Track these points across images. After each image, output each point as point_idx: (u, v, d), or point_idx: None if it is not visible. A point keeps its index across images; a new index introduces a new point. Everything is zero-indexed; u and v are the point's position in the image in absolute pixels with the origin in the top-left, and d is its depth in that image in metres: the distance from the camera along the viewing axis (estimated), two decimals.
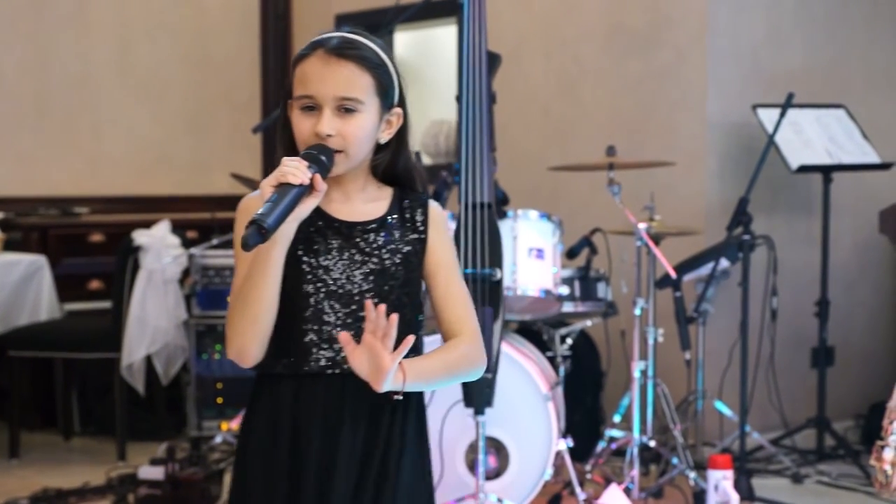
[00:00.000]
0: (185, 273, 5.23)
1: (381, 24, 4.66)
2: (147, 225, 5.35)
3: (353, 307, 2.05)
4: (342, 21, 6.64)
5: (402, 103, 2.12)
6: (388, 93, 2.08)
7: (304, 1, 6.99)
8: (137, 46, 6.60)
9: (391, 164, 2.13)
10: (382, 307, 1.94)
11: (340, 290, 2.05)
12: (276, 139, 2.14)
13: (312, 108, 2.04)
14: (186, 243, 5.31)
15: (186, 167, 6.72)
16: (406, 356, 2.01)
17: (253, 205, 2.05)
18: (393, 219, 2.10)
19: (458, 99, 4.09)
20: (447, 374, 2.09)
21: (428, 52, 7.10)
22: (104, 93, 6.49)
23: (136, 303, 5.13)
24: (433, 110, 6.70)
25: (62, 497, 4.61)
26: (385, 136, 2.10)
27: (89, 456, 5.35)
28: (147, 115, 6.63)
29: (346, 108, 2.03)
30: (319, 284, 2.05)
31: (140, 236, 5.19)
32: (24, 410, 5.59)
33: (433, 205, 2.15)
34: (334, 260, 2.06)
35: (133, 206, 6.48)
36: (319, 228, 2.05)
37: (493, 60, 4.14)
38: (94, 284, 5.93)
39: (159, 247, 5.17)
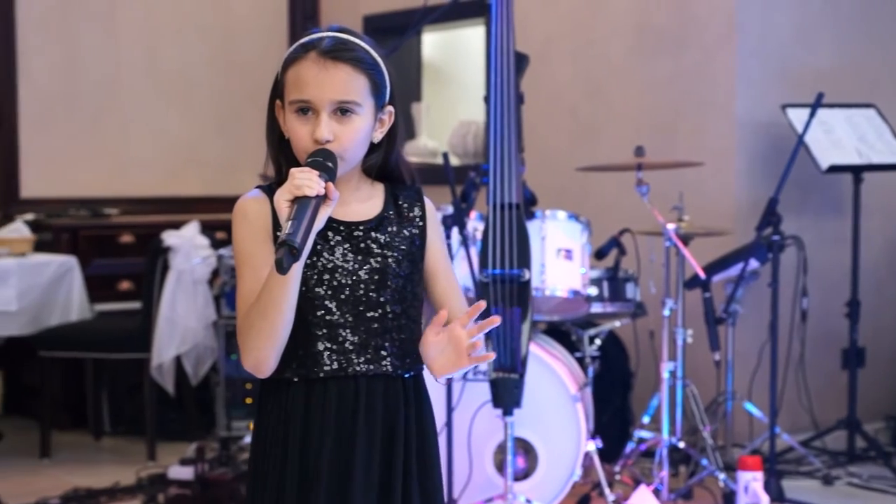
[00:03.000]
0: (215, 274, 5.25)
1: (408, 25, 4.66)
2: (176, 226, 5.38)
3: (361, 307, 2.04)
4: (370, 22, 6.65)
5: (392, 101, 2.10)
6: (382, 92, 2.07)
7: (332, 2, 7.01)
8: (166, 48, 6.63)
9: (383, 163, 2.13)
10: (482, 304, 1.98)
11: (346, 291, 2.04)
12: (266, 139, 2.12)
13: (307, 111, 2.02)
14: (215, 244, 5.33)
15: (215, 168, 6.75)
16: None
17: (250, 206, 2.05)
18: (390, 215, 2.10)
19: (486, 99, 4.09)
20: None
21: (456, 53, 7.11)
22: (133, 94, 6.52)
23: (166, 303, 5.16)
24: (461, 111, 6.70)
25: (93, 496, 4.63)
26: (378, 136, 2.09)
27: (119, 456, 5.38)
28: (176, 115, 6.66)
29: (342, 111, 2.01)
30: (326, 287, 2.03)
31: (169, 237, 5.22)
32: (55, 410, 5.62)
33: (427, 198, 2.16)
34: (338, 261, 2.04)
35: (162, 207, 6.52)
36: (320, 231, 2.01)
37: (521, 61, 4.14)
38: (124, 285, 5.96)
39: (189, 247, 5.20)
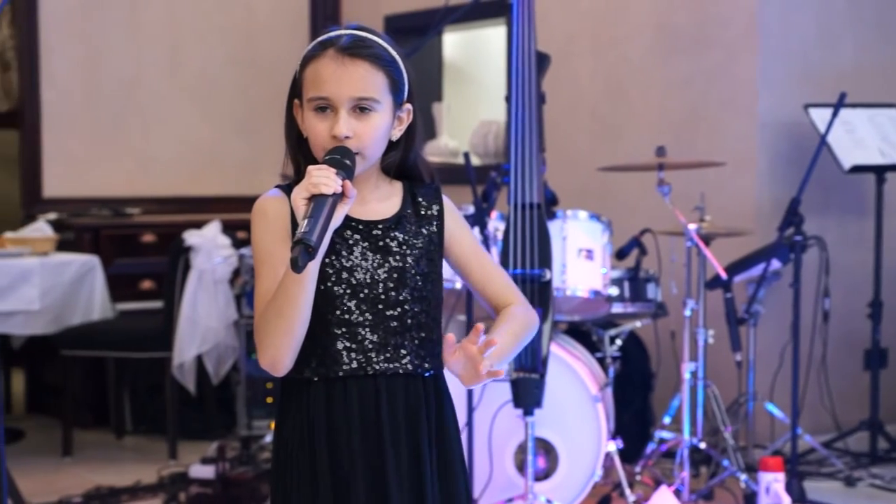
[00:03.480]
0: (236, 273, 5.27)
1: (430, 25, 4.66)
2: (198, 225, 5.39)
3: (380, 306, 2.04)
4: (391, 22, 6.65)
5: (411, 99, 2.10)
6: (400, 90, 2.06)
7: (353, 3, 7.01)
8: (187, 48, 6.65)
9: (402, 161, 2.12)
10: (480, 326, 1.97)
11: (365, 290, 2.04)
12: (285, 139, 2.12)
13: (326, 109, 2.02)
14: (237, 243, 5.35)
15: (236, 168, 6.76)
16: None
17: (269, 205, 2.05)
18: (408, 213, 2.10)
19: (508, 99, 4.09)
20: (518, 343, 2.12)
21: (477, 53, 7.10)
22: (155, 94, 6.55)
23: (187, 303, 5.17)
24: (482, 111, 6.70)
25: (115, 495, 4.65)
26: (397, 133, 2.09)
27: (141, 454, 5.40)
28: (197, 116, 6.68)
29: (361, 108, 2.01)
30: (345, 286, 2.03)
31: (191, 237, 5.24)
32: (77, 409, 5.66)
33: (445, 195, 2.16)
34: (357, 260, 2.04)
35: (184, 207, 6.54)
36: (339, 230, 2.02)
37: (543, 61, 4.13)
38: (146, 284, 5.98)
39: (210, 247, 5.21)
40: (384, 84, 2.03)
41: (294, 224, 2.00)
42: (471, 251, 2.15)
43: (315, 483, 2.05)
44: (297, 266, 1.85)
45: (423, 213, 2.11)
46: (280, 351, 1.99)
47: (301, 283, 1.95)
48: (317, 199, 1.91)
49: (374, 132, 2.02)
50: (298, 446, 2.06)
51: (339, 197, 1.94)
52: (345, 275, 2.04)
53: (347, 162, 1.97)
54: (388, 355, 2.05)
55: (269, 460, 4.77)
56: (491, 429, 4.09)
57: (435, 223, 2.11)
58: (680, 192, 4.59)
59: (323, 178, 1.92)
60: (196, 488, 4.49)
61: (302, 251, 1.85)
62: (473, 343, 1.96)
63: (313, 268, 1.96)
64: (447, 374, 2.12)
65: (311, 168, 1.95)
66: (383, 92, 2.03)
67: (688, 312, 4.44)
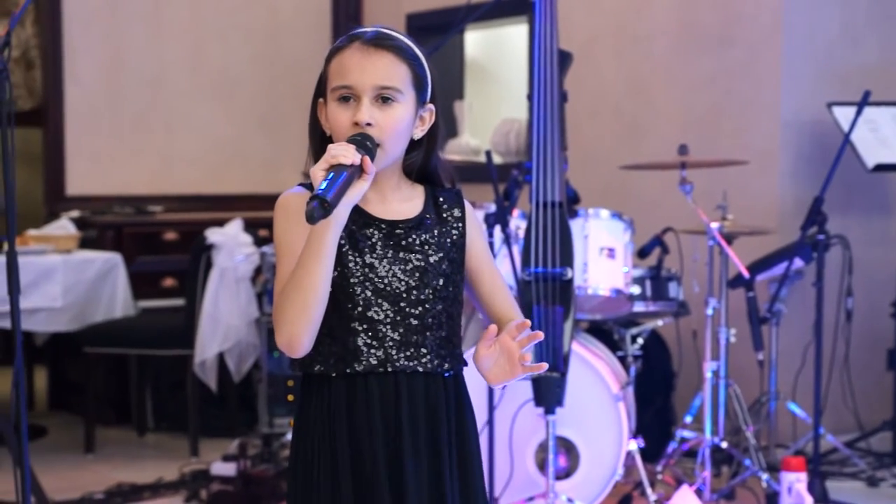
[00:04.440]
0: (257, 271, 5.28)
1: (451, 23, 4.66)
2: (220, 223, 5.41)
3: (402, 304, 2.05)
4: (413, 20, 6.66)
5: (433, 100, 2.11)
6: (423, 86, 2.08)
7: (374, 1, 7.02)
8: (210, 46, 6.67)
9: (423, 162, 2.14)
10: (494, 328, 2.01)
11: (387, 288, 2.05)
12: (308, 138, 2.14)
13: (349, 98, 2.03)
14: (258, 241, 5.36)
15: (258, 166, 6.78)
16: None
17: (292, 201, 2.06)
18: (430, 217, 2.11)
19: (530, 97, 4.08)
20: None
21: (499, 51, 7.10)
22: (178, 93, 6.57)
23: (209, 300, 5.18)
24: (504, 109, 6.69)
25: (136, 492, 4.67)
26: (418, 133, 2.10)
27: (162, 451, 5.42)
28: (220, 114, 6.70)
29: (384, 98, 2.03)
30: (367, 283, 2.04)
31: (213, 234, 5.25)
32: (99, 406, 5.67)
33: (466, 200, 2.17)
34: (378, 258, 2.05)
35: (206, 205, 6.56)
36: (361, 227, 2.04)
37: (565, 59, 4.13)
38: (168, 282, 6.00)
39: (232, 245, 5.22)
40: (407, 76, 2.05)
41: None
42: (485, 261, 2.17)
43: (336, 483, 2.05)
44: (312, 219, 1.86)
45: (445, 215, 2.12)
46: (297, 327, 1.98)
47: (318, 256, 1.95)
48: (335, 168, 1.92)
49: (395, 123, 2.03)
50: (320, 443, 2.07)
51: (358, 171, 1.94)
52: (367, 272, 2.05)
53: (368, 144, 1.98)
54: (408, 353, 2.06)
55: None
56: (512, 427, 4.09)
57: (457, 227, 2.13)
58: (702, 190, 4.57)
59: (342, 150, 1.94)
60: (217, 485, 4.50)
61: (317, 205, 1.86)
62: (514, 337, 1.98)
63: (332, 239, 1.96)
64: (467, 373, 2.13)
65: (330, 146, 1.97)
66: (406, 84, 2.05)
67: (710, 311, 4.43)
